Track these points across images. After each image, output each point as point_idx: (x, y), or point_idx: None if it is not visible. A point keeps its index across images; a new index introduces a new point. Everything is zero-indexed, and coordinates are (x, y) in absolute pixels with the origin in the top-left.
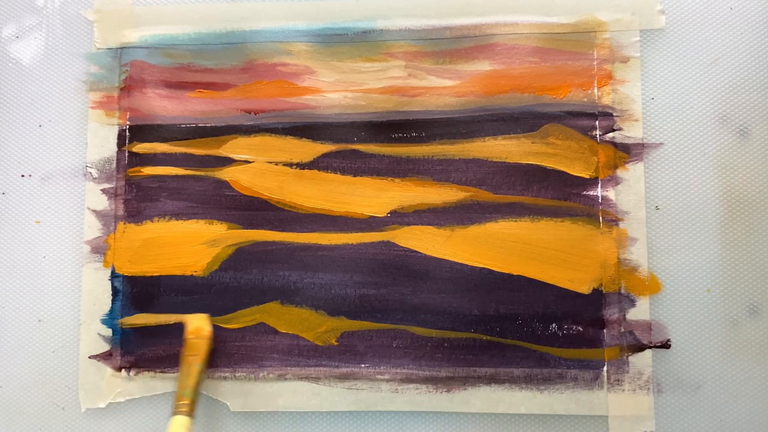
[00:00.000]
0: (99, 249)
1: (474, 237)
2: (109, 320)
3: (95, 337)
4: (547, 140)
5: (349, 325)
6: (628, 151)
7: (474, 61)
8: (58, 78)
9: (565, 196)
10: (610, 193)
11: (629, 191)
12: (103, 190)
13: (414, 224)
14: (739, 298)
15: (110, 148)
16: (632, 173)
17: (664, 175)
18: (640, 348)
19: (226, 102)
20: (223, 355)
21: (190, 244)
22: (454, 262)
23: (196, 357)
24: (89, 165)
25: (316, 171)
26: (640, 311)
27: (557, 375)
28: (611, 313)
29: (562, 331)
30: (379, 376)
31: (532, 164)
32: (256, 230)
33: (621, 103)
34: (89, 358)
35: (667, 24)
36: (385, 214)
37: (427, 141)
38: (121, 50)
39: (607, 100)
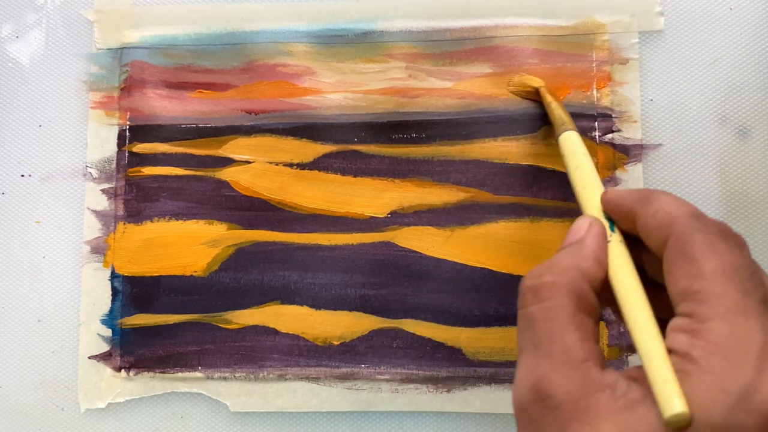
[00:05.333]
0: (99, 249)
1: (474, 237)
2: (109, 320)
3: (95, 337)
4: (547, 141)
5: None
6: (627, 152)
7: (474, 63)
8: (58, 78)
9: (565, 197)
10: None
11: None
12: (103, 190)
13: (414, 225)
14: None
15: (110, 148)
16: (631, 174)
17: (663, 176)
18: None
19: (226, 102)
20: (223, 355)
21: (190, 245)
22: (455, 263)
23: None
24: (89, 165)
25: (317, 171)
26: None
27: None
28: (611, 314)
29: None
30: (379, 377)
31: (532, 165)
32: (256, 230)
33: (620, 105)
34: (89, 358)
35: (666, 25)
36: (386, 215)
37: (427, 142)
38: (122, 50)
39: (606, 102)
